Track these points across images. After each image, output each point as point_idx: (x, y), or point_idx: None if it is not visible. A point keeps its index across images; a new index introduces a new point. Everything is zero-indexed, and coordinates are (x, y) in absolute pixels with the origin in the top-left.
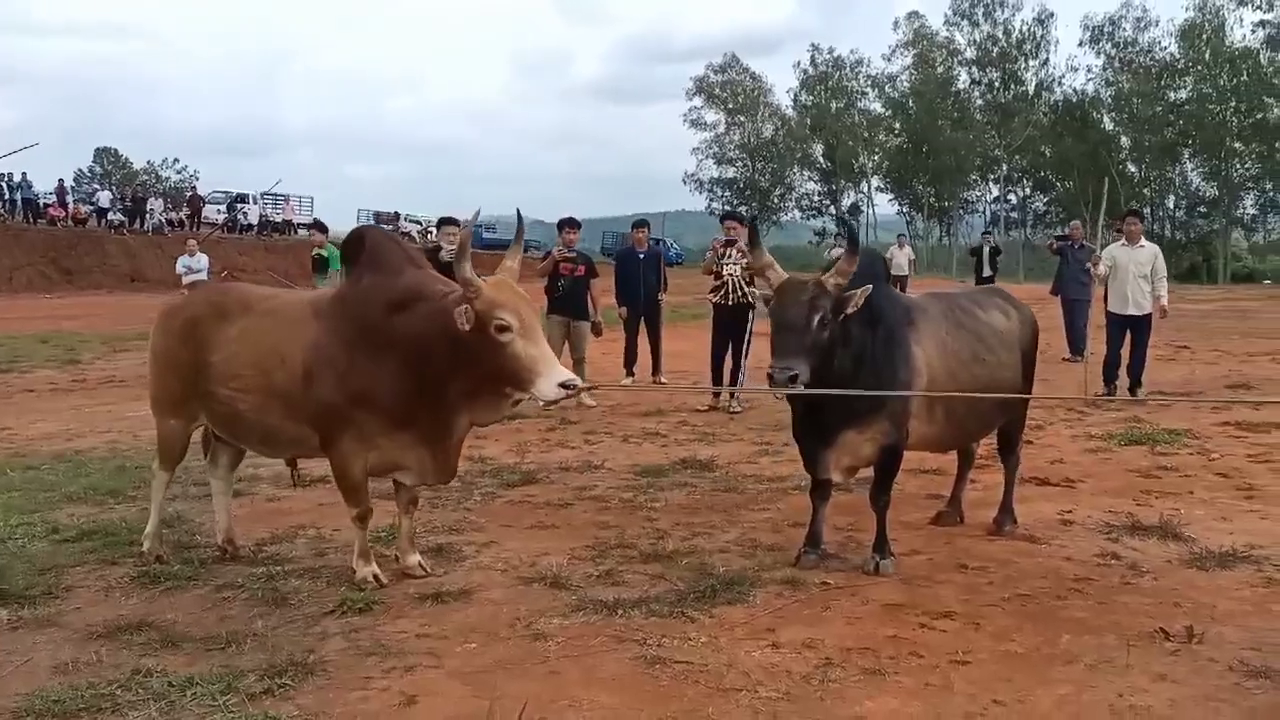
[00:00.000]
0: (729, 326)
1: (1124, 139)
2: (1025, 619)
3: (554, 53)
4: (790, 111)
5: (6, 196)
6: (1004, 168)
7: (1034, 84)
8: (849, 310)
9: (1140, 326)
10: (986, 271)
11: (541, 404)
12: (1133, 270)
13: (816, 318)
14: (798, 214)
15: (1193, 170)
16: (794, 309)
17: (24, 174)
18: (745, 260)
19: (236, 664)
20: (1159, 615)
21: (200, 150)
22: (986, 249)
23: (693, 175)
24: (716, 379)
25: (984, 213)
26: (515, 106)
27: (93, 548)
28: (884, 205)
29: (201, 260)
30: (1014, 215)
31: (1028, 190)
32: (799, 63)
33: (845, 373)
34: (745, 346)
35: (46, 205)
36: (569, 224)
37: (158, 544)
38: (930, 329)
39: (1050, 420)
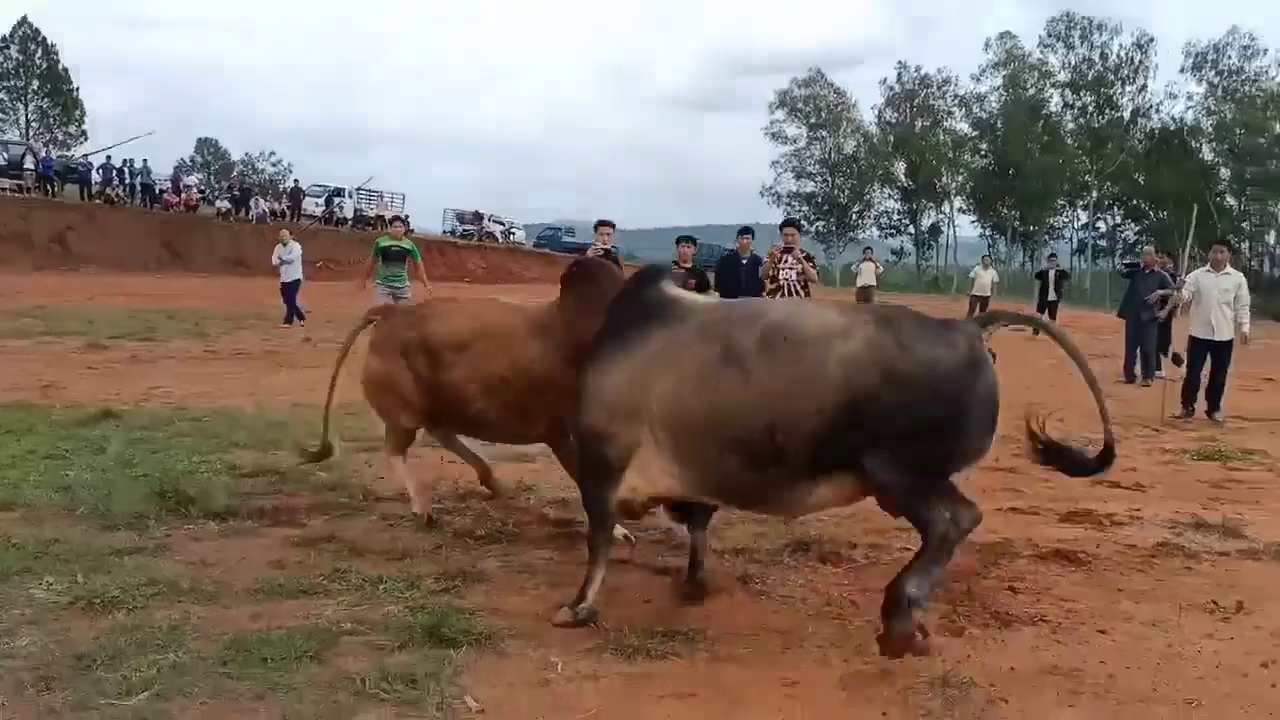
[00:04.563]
0: None
1: (1224, 170)
2: (1089, 587)
3: (636, 61)
4: (873, 128)
5: (127, 181)
6: (1094, 194)
7: (1130, 110)
8: None
9: (1222, 351)
10: (1051, 296)
11: None
12: (1216, 296)
13: None
14: (876, 231)
15: None
16: None
17: (144, 160)
18: (800, 266)
19: (414, 571)
20: (1213, 593)
21: (294, 143)
22: (1052, 273)
23: (770, 188)
24: None
25: (1070, 239)
26: (596, 113)
27: (269, 482)
28: (966, 227)
29: (294, 250)
30: (1102, 243)
31: (1118, 218)
32: (885, 79)
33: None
34: None
35: (162, 191)
36: (684, 240)
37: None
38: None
39: (1126, 436)
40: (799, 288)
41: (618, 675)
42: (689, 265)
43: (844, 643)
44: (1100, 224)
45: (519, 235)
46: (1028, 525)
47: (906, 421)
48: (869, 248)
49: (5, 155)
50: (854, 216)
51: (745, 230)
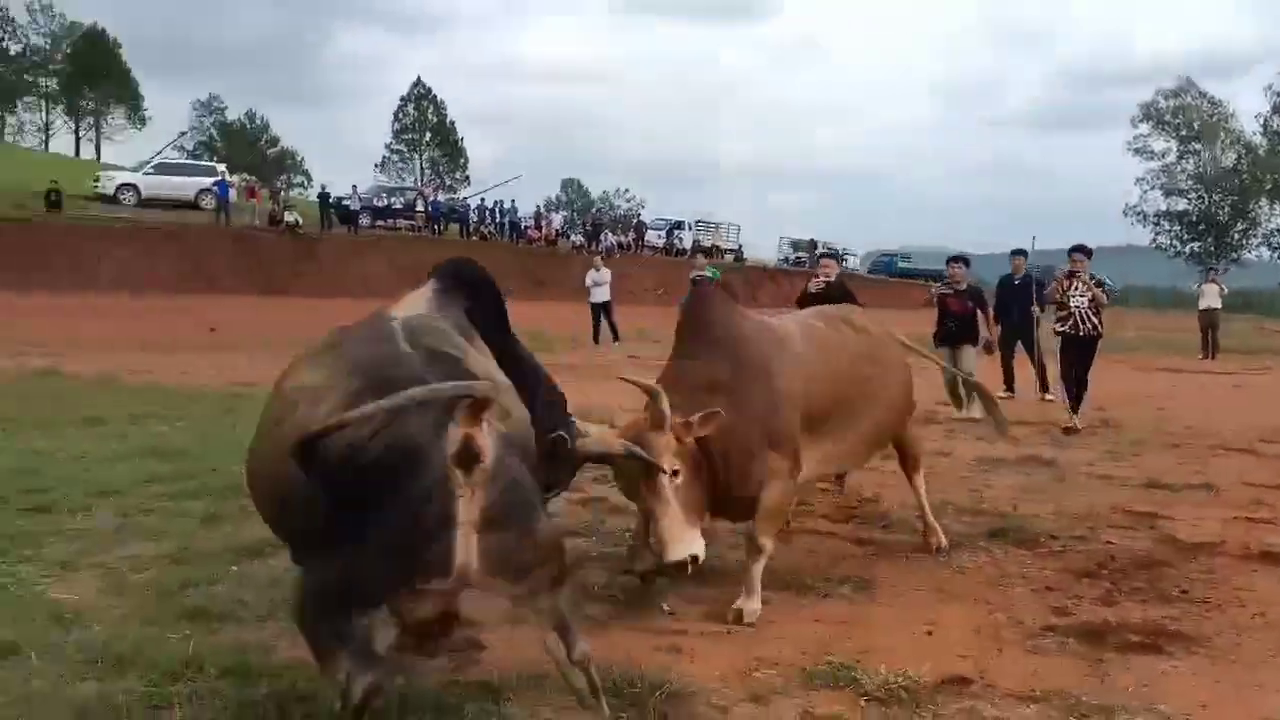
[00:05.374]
0: (1077, 355)
1: None
2: (1276, 582)
3: (984, 79)
4: (1258, 139)
5: (498, 219)
6: None
7: None
8: None
9: None
10: None
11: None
12: None
13: None
14: (1265, 251)
15: None
16: None
17: (512, 201)
18: (1091, 293)
19: None
20: None
21: (647, 180)
22: None
23: (1134, 207)
24: (1071, 400)
25: None
26: (940, 135)
27: None
28: None
29: (605, 274)
30: None
31: None
32: (1270, 86)
33: None
34: (1089, 370)
35: (527, 227)
36: (956, 260)
37: None
38: None
39: None
40: (1091, 314)
41: (788, 605)
42: (953, 287)
43: (997, 601)
44: None
45: (853, 261)
46: (1251, 531)
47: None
48: (1213, 269)
49: (402, 200)
50: (1236, 236)
51: (1018, 252)
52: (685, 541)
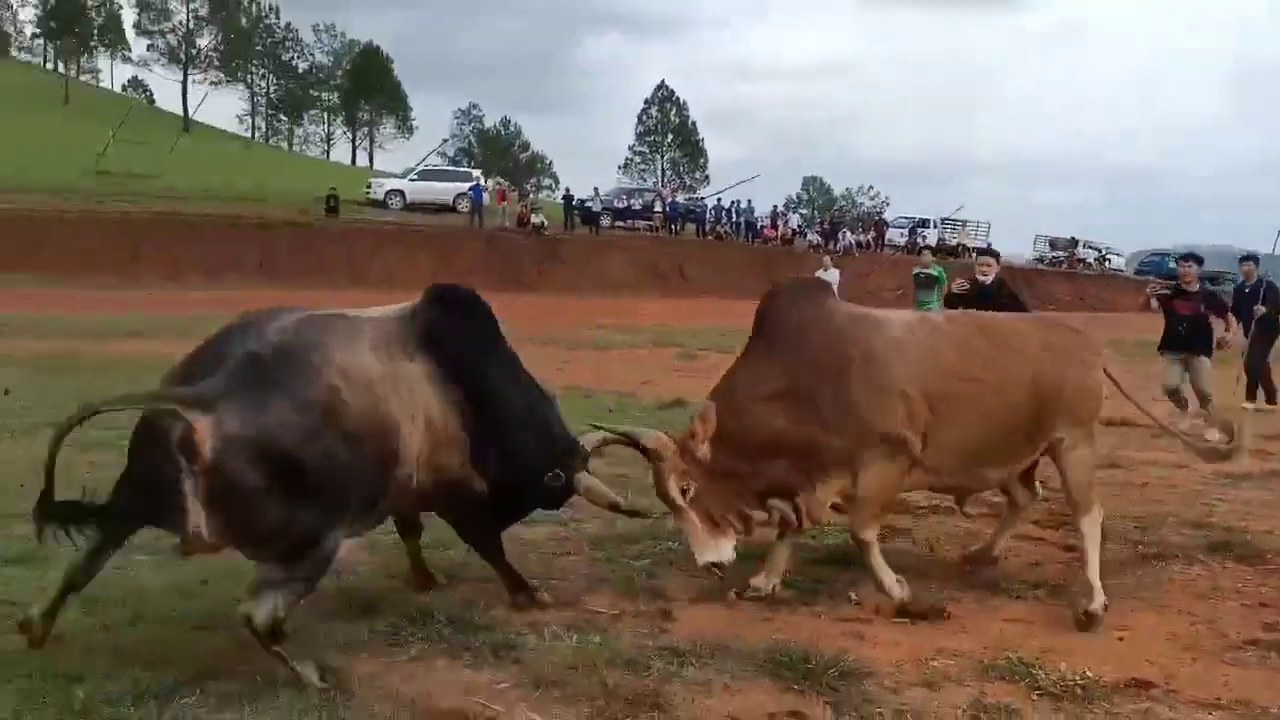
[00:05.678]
0: None
1: None
2: None
3: (1272, 64)
4: None
5: (734, 218)
6: None
7: None
8: None
9: None
10: None
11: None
12: None
13: None
14: None
15: None
16: None
17: (749, 200)
18: None
19: None
20: None
21: (892, 177)
22: None
23: None
24: None
25: None
26: (1230, 126)
27: None
28: None
29: (833, 275)
30: None
31: None
32: None
33: None
34: None
35: (763, 227)
36: (1187, 259)
37: None
38: None
39: None
40: None
41: (977, 603)
42: (1193, 288)
43: (1201, 612)
44: None
45: (1117, 261)
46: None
47: None
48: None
49: (641, 201)
50: None
51: (1248, 258)
52: (708, 548)
